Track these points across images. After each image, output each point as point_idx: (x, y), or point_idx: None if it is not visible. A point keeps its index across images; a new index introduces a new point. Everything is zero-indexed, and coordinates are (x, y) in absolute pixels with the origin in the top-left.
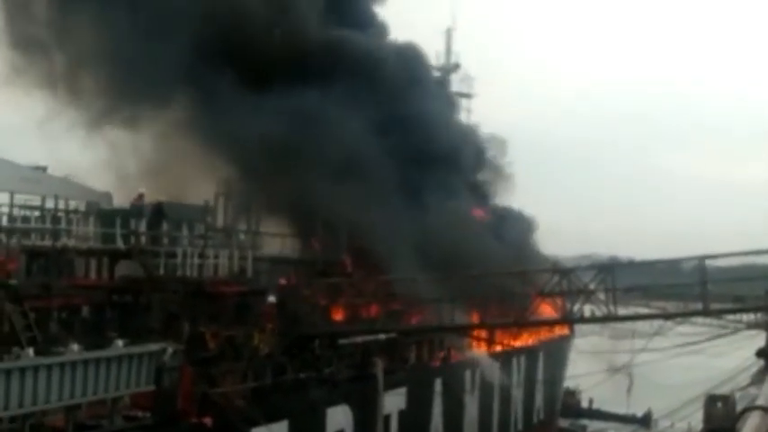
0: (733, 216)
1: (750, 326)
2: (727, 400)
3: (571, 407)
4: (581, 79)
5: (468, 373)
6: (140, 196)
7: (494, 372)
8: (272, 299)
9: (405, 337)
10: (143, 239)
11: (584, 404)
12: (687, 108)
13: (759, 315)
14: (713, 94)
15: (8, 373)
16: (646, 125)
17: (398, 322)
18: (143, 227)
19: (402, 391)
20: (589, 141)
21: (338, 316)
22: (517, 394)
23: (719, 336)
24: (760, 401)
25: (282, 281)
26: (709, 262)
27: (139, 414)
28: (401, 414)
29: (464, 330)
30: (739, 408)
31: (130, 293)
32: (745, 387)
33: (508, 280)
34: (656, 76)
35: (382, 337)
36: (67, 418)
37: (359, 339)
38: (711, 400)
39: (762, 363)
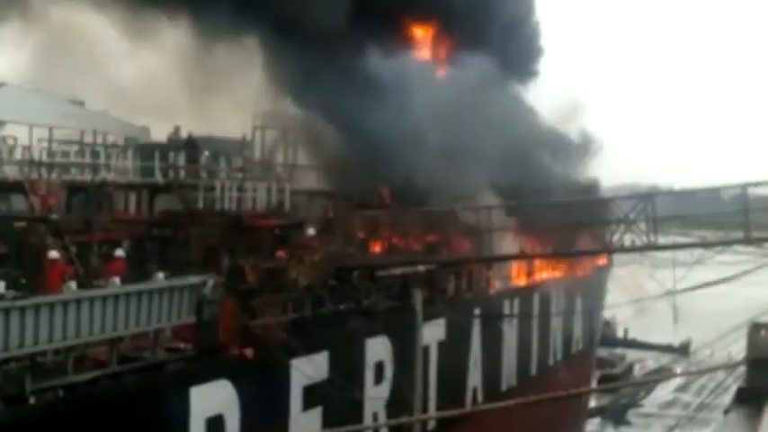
0: None
1: None
2: None
3: (606, 337)
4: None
5: (506, 303)
6: (177, 130)
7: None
8: (310, 231)
9: (443, 267)
10: (182, 173)
11: (620, 334)
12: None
13: None
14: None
15: (52, 306)
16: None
17: (437, 253)
18: (181, 161)
19: (441, 322)
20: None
21: (376, 248)
22: (556, 325)
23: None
24: None
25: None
26: (751, 190)
27: (181, 346)
28: (440, 345)
29: (503, 260)
30: None
31: (170, 227)
32: None
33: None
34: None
35: (421, 268)
36: (111, 350)
37: (397, 271)
38: (755, 329)
39: None
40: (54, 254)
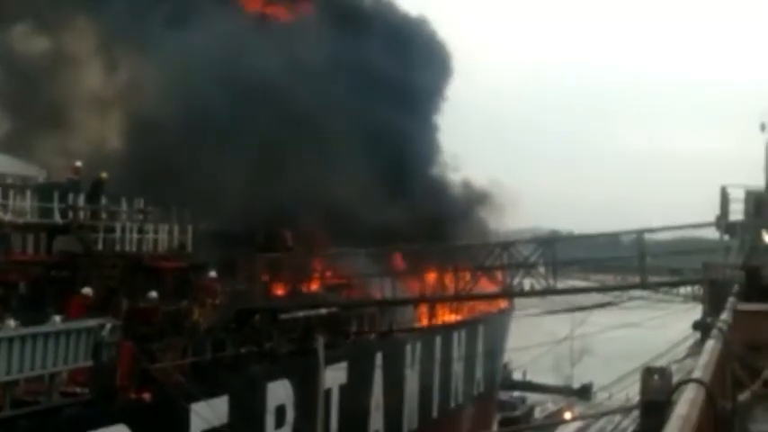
0: (672, 190)
1: (687, 299)
2: (663, 372)
3: (504, 380)
4: (522, 55)
5: (408, 348)
6: (77, 170)
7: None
8: (212, 274)
9: (346, 311)
10: (81, 214)
11: (517, 377)
12: (630, 86)
13: (696, 288)
14: (654, 73)
15: None
16: (587, 103)
17: (339, 296)
18: (81, 201)
19: (343, 365)
20: (526, 115)
21: (279, 290)
22: (458, 367)
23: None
24: (696, 374)
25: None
26: (647, 236)
27: (78, 390)
28: (342, 388)
29: (405, 303)
30: (675, 380)
31: (68, 269)
32: (682, 359)
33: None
34: (600, 55)
35: (323, 311)
36: (4, 394)
37: (300, 314)
38: (648, 373)
39: (698, 335)
40: (87, 290)
